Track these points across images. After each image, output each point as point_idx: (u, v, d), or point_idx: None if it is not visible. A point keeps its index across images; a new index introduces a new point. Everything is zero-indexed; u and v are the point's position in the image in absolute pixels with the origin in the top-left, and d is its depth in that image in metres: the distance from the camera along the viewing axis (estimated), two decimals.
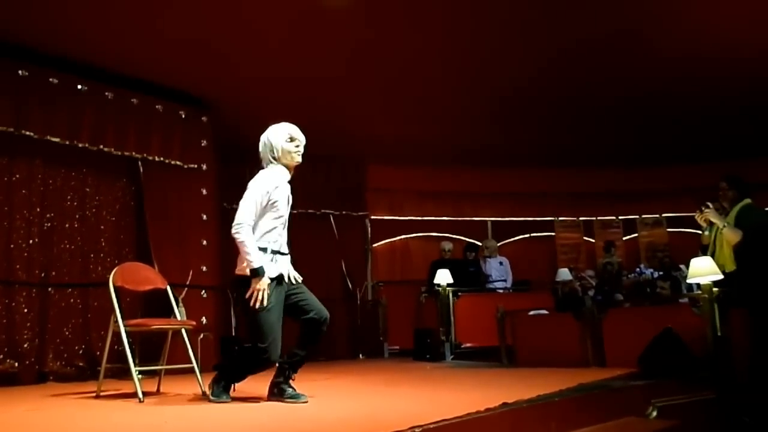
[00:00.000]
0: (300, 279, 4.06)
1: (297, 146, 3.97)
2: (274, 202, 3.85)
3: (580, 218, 11.51)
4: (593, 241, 11.47)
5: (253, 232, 3.80)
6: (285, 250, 4.00)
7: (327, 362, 8.32)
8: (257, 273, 3.70)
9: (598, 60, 7.31)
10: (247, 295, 3.71)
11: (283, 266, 3.93)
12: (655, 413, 4.09)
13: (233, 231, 3.75)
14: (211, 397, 3.92)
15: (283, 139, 3.94)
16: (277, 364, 3.92)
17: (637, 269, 10.23)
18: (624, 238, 11.49)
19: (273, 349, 3.74)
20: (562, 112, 8.80)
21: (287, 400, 3.82)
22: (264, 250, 3.82)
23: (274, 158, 3.95)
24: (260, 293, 3.70)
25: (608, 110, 8.76)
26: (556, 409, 3.71)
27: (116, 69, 6.86)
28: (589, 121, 9.13)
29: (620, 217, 11.55)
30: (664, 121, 9.12)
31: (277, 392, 3.90)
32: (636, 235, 11.54)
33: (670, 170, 10.76)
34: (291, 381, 3.93)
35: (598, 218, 11.55)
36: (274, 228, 3.89)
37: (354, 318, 9.70)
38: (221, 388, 3.95)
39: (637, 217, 11.52)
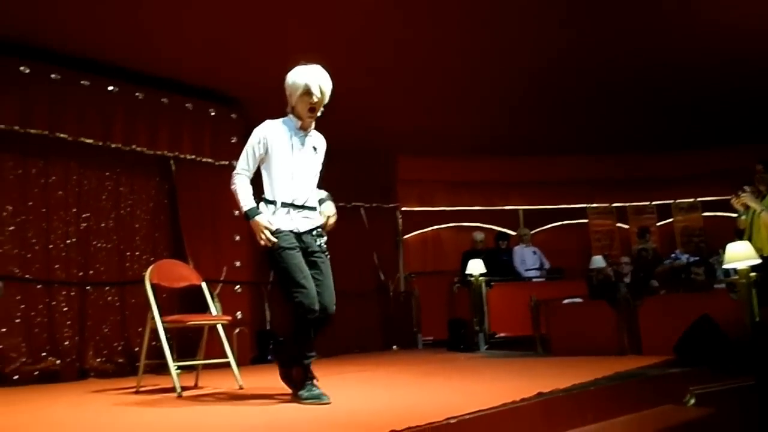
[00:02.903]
0: (324, 242, 3.75)
1: (311, 105, 3.67)
2: (273, 151, 3.67)
3: (614, 204, 11.37)
4: (627, 227, 11.32)
5: (264, 186, 3.69)
6: (300, 202, 3.69)
7: (360, 354, 8.37)
8: (247, 216, 3.59)
9: (630, 43, 7.20)
10: (262, 243, 3.57)
11: (300, 222, 3.68)
12: (692, 401, 4.04)
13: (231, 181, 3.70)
14: (305, 401, 3.53)
15: (297, 91, 3.67)
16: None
17: (672, 255, 10.06)
18: (658, 224, 11.32)
19: (303, 289, 3.49)
20: (593, 98, 8.68)
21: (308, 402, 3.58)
22: (273, 203, 3.66)
23: (292, 108, 3.74)
24: (262, 234, 3.54)
25: (640, 94, 8.63)
26: (592, 398, 3.68)
27: (146, 70, 6.95)
28: (621, 106, 9.00)
29: (654, 203, 11.38)
30: (699, 103, 8.94)
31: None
32: (671, 220, 11.35)
33: (706, 154, 10.56)
34: (315, 381, 3.67)
35: (632, 204, 11.39)
36: (281, 178, 3.66)
37: (387, 310, 9.72)
38: (310, 387, 3.60)
39: (672, 201, 11.34)
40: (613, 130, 9.85)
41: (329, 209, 3.84)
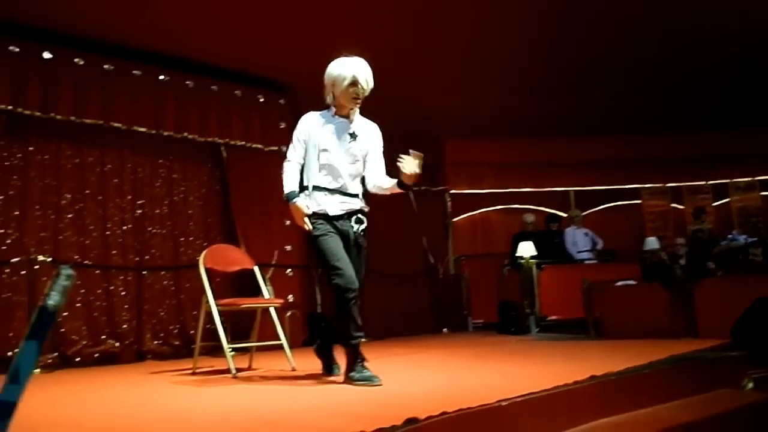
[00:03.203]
0: (362, 229, 3.88)
1: (355, 95, 3.78)
2: (311, 139, 3.82)
3: (668, 184, 11.10)
4: (682, 207, 11.05)
5: (303, 173, 3.85)
6: (334, 186, 3.81)
7: (411, 337, 8.39)
8: (287, 199, 3.79)
9: (685, 16, 6.98)
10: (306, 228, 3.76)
11: (334, 206, 3.79)
12: (750, 385, 3.95)
13: None
14: (356, 383, 3.60)
15: (344, 82, 3.75)
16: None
17: (729, 236, 9.79)
18: (714, 204, 11.01)
19: (340, 271, 3.61)
20: (646, 76, 8.48)
21: (333, 375, 3.95)
22: (307, 188, 3.80)
23: (333, 97, 3.84)
24: (299, 217, 3.74)
25: (696, 71, 8.38)
26: (647, 381, 3.63)
27: (195, 58, 7.05)
28: (674, 84, 8.76)
29: (710, 182, 11.07)
30: (758, 79, 8.65)
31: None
32: (728, 200, 11.03)
33: (764, 131, 10.20)
34: (365, 362, 3.73)
35: (687, 184, 11.11)
36: (316, 164, 3.80)
37: (436, 293, 9.72)
38: (361, 368, 3.65)
39: (729, 181, 11.01)
40: (667, 108, 9.61)
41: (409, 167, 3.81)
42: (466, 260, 10.13)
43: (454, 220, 10.50)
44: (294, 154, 3.87)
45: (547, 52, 7.69)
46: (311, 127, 3.86)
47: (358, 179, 3.94)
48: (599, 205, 11.01)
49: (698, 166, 10.91)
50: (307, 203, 3.77)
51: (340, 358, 3.94)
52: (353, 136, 3.86)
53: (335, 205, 3.80)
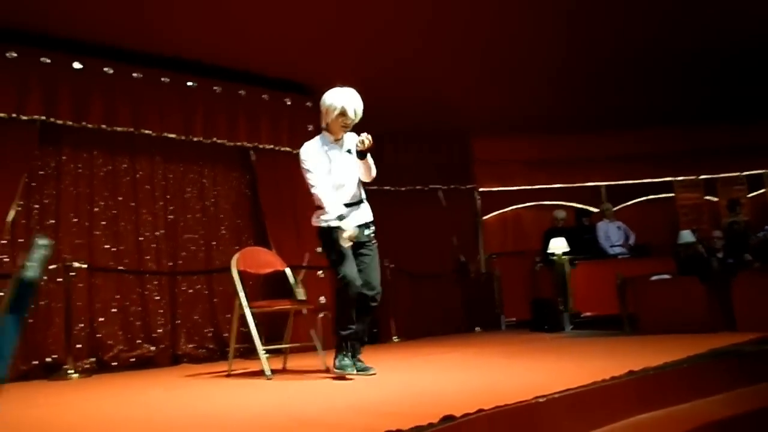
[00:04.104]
0: (372, 232, 4.31)
1: (344, 124, 4.21)
2: (317, 166, 4.19)
3: (701, 177, 10.92)
4: (716, 200, 10.87)
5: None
6: (349, 201, 4.25)
7: (443, 336, 8.37)
8: (340, 218, 4.12)
9: (717, 6, 6.84)
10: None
11: (351, 219, 4.18)
12: None
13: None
14: (335, 369, 4.11)
15: (334, 112, 4.18)
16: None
17: (766, 227, 9.60)
18: (749, 195, 10.81)
19: (346, 267, 4.06)
20: (678, 67, 8.34)
21: (358, 374, 4.06)
22: (323, 207, 4.18)
23: (326, 123, 4.27)
24: (345, 240, 4.06)
25: (729, 60, 8.22)
26: (685, 376, 3.58)
27: (223, 63, 7.10)
28: (708, 73, 8.61)
29: (745, 173, 10.87)
30: None
31: None
32: (763, 191, 10.83)
33: None
34: (358, 357, 4.20)
35: (721, 175, 10.91)
36: (329, 188, 4.19)
37: (468, 291, 9.68)
38: (342, 357, 4.14)
39: (764, 171, 10.80)
40: (700, 99, 9.45)
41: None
42: (498, 258, 10.08)
43: (485, 218, 10.46)
44: (317, 179, 4.19)
45: (575, 46, 7.60)
46: (315, 155, 4.24)
47: (361, 184, 4.38)
48: (631, 200, 10.88)
49: (732, 157, 10.73)
50: (321, 219, 4.20)
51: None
52: (349, 152, 4.29)
53: (352, 219, 4.20)
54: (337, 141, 4.30)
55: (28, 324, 5.79)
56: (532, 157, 10.55)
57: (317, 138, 4.35)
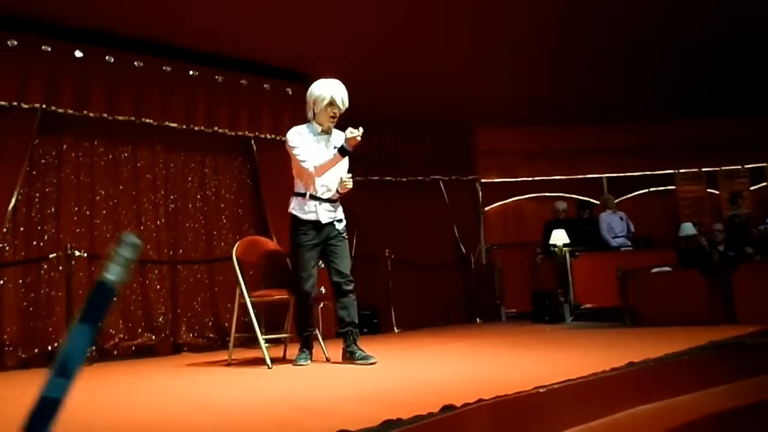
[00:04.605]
0: (343, 226, 4.45)
1: (333, 115, 4.32)
2: (309, 151, 4.32)
3: (703, 169, 10.89)
4: (717, 192, 10.84)
5: (295, 180, 4.48)
6: (325, 197, 4.40)
7: (444, 327, 8.38)
8: (343, 150, 4.27)
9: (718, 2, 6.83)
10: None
11: (324, 214, 4.37)
12: None
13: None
14: (297, 363, 4.40)
15: (323, 102, 4.29)
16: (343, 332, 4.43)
17: (767, 220, 9.59)
18: (751, 188, 10.79)
19: (305, 280, 4.33)
20: (680, 59, 8.31)
21: (358, 362, 4.20)
22: (303, 195, 4.39)
23: (314, 114, 4.38)
24: (355, 141, 4.20)
25: (730, 52, 8.20)
26: (686, 368, 3.58)
27: (224, 53, 7.08)
28: (709, 66, 8.59)
29: (747, 166, 10.83)
30: None
31: (349, 356, 4.32)
32: (765, 184, 10.80)
33: None
34: (358, 344, 4.34)
35: (723, 168, 10.88)
36: (309, 176, 4.33)
37: (469, 282, 9.69)
38: (300, 351, 4.49)
39: (766, 164, 10.77)
40: (701, 91, 9.42)
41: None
42: (498, 249, 10.08)
43: (486, 209, 10.44)
44: (306, 155, 4.32)
45: (578, 38, 7.57)
46: (303, 139, 4.36)
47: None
48: (632, 192, 10.85)
49: (734, 150, 10.67)
50: (298, 208, 4.39)
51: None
52: (335, 148, 4.33)
53: (324, 214, 4.38)
54: (324, 133, 4.40)
55: (29, 312, 5.81)
56: (534, 148, 10.52)
57: (305, 125, 4.46)
